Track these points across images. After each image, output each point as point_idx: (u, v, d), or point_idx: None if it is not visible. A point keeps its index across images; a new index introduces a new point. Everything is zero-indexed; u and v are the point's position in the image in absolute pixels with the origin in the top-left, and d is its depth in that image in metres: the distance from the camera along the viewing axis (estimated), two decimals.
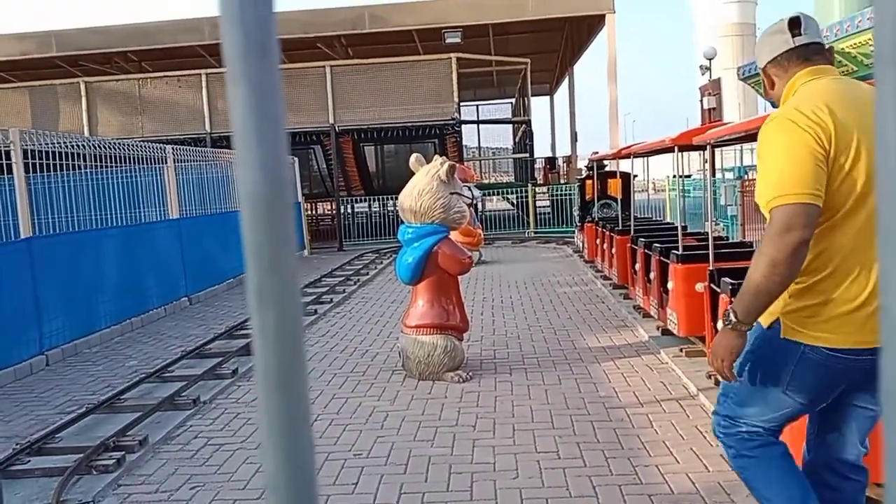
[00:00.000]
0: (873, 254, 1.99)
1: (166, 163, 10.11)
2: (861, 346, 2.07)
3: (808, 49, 2.22)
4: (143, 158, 9.44)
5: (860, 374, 2.13)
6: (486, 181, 26.94)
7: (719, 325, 4.16)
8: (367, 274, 12.13)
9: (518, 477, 3.74)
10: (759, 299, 2.09)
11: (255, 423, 4.81)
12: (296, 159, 16.49)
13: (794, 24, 2.23)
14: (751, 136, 5.02)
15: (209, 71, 17.91)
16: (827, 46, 2.28)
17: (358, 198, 18.80)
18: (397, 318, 7.21)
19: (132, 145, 9.34)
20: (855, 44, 19.05)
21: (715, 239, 5.58)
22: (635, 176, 11.36)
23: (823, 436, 2.35)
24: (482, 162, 28.15)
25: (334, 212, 18.85)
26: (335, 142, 17.42)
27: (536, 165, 24.56)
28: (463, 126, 19.02)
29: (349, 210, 18.84)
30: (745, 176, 16.38)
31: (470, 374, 5.62)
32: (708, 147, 5.33)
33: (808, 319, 2.13)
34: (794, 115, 2.05)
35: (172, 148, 10.35)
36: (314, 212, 23.27)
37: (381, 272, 12.40)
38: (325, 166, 19.26)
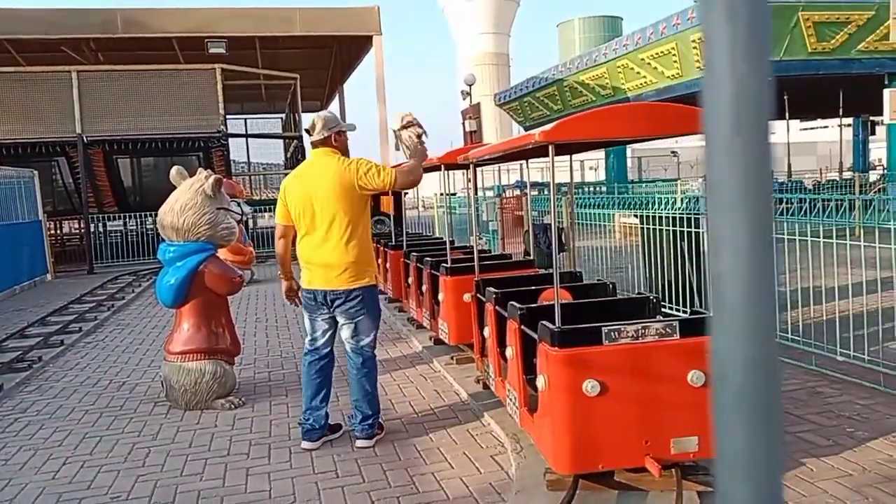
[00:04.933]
0: (309, 243, 4.20)
1: None
2: (308, 286, 4.26)
3: (312, 144, 4.30)
4: None
5: (321, 302, 4.23)
6: (256, 197, 26.11)
7: (486, 331, 4.36)
8: (123, 298, 11.11)
9: (295, 501, 3.62)
10: (278, 264, 4.57)
11: None
12: (36, 172, 14.68)
13: (307, 131, 4.30)
14: (507, 157, 5.39)
15: None
16: (324, 137, 4.23)
17: (111, 215, 17.19)
18: (160, 346, 6.68)
19: None
20: (592, 76, 21.39)
21: (479, 252, 5.89)
22: (405, 193, 11.66)
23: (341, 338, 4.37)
24: (252, 177, 27.23)
25: (83, 230, 17.04)
26: (83, 154, 15.81)
27: None
28: (231, 140, 18.26)
29: (101, 228, 17.15)
30: (504, 193, 17.59)
31: (242, 399, 5.35)
32: (471, 166, 5.63)
33: (301, 273, 4.35)
34: (284, 179, 4.47)
35: None
36: (59, 231, 20.89)
37: (140, 296, 11.44)
38: (71, 180, 17.40)
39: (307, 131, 4.30)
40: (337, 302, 4.19)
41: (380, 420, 4.46)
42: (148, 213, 15.40)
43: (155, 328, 8.52)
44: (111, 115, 16.02)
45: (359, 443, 4.31)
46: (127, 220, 16.98)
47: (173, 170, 5.62)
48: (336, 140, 4.28)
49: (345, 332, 4.29)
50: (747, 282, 0.68)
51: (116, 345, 7.76)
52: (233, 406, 5.22)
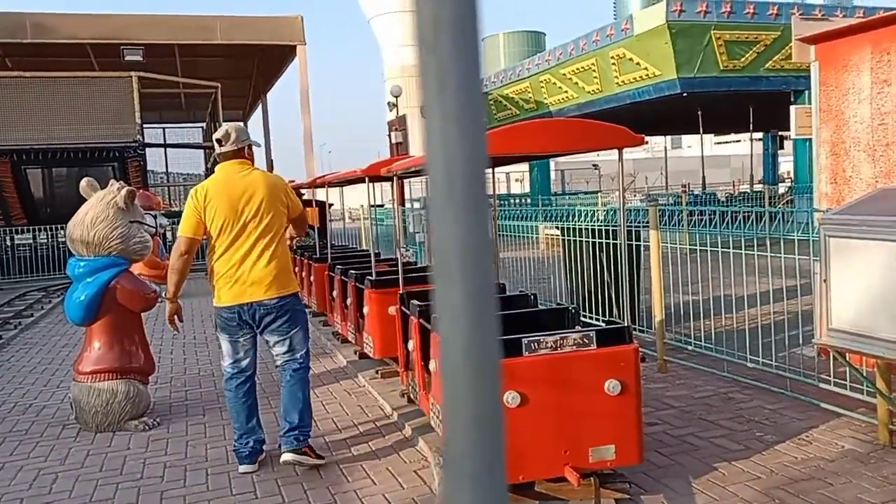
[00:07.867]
0: (234, 256, 3.98)
1: None
2: (232, 303, 4.00)
3: (223, 155, 4.12)
4: None
5: (245, 320, 4.03)
6: (175, 209, 25.34)
7: (410, 344, 4.35)
8: (31, 316, 10.56)
9: None
10: (172, 283, 4.14)
11: None
12: None
13: (218, 141, 4.12)
14: None
15: None
16: (237, 148, 4.12)
17: (19, 228, 16.33)
18: (70, 365, 6.37)
19: None
20: (516, 90, 21.76)
21: (405, 264, 5.87)
22: (331, 205, 11.56)
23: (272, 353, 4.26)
24: (171, 188, 26.43)
25: None
26: None
27: None
28: (149, 150, 17.70)
29: (7, 242, 16.26)
30: None
31: (157, 420, 5.15)
32: (395, 178, 5.61)
33: (216, 291, 4.10)
34: (197, 189, 4.13)
35: None
36: None
37: (50, 313, 10.90)
38: None
39: (218, 141, 4.12)
40: (267, 318, 4.01)
41: (309, 443, 4.14)
42: (60, 225, 14.70)
43: (65, 347, 8.13)
44: (20, 123, 15.30)
45: (286, 456, 3.99)
46: (37, 233, 16.16)
47: (83, 181, 5.41)
48: (248, 153, 4.23)
49: (278, 349, 4.14)
50: (467, 344, 0.69)
51: (23, 365, 7.36)
52: (147, 427, 5.01)
